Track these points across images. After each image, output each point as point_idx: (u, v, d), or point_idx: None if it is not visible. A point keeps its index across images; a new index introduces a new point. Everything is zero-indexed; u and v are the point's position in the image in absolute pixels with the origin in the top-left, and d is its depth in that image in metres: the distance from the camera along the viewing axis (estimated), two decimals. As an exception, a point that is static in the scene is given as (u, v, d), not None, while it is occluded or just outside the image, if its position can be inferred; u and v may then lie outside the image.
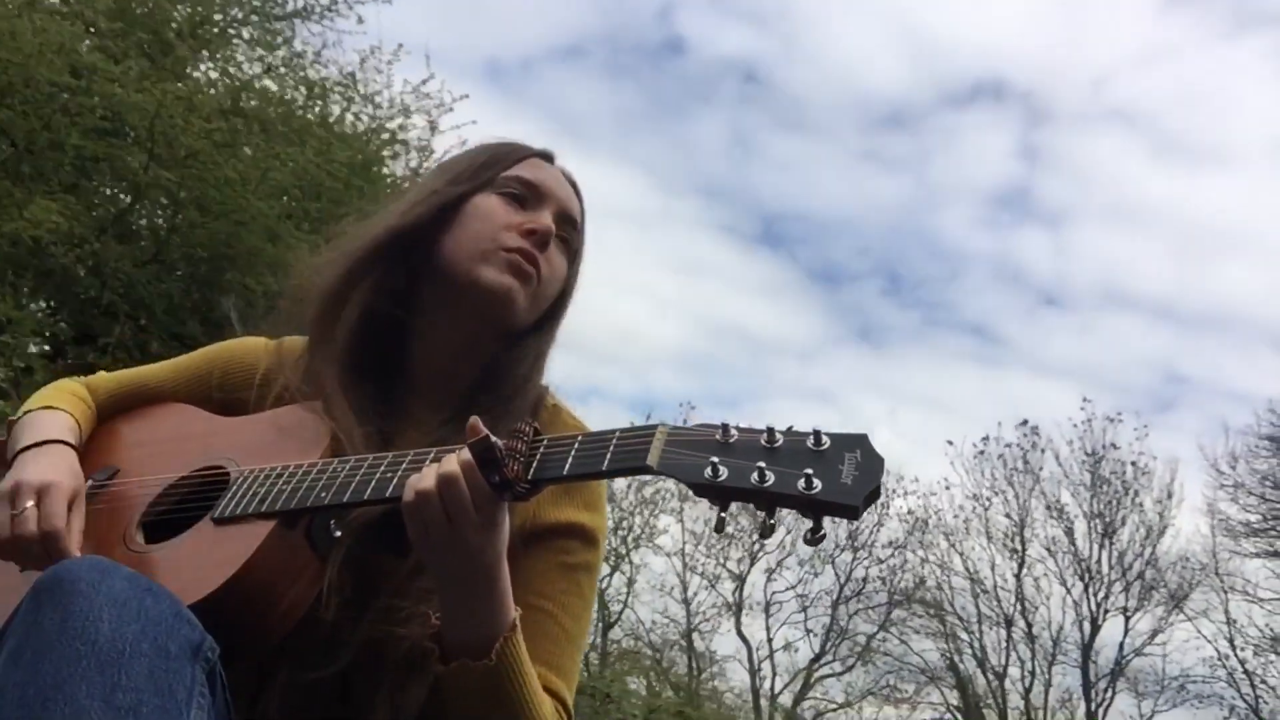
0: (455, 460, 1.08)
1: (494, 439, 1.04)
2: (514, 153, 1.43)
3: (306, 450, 1.24)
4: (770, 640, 19.94)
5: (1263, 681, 18.93)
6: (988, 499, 20.14)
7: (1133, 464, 19.69)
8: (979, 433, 20.48)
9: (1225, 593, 19.14)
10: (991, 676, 19.78)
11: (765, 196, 31.08)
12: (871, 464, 0.94)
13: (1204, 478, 20.20)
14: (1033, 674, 19.62)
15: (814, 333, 31.10)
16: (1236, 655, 18.99)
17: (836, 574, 19.71)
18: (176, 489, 1.31)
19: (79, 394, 1.47)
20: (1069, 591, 19.62)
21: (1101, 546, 19.59)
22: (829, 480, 0.93)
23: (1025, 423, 20.25)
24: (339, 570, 1.19)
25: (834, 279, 32.09)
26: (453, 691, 1.15)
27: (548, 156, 1.47)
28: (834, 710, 20.16)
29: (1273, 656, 18.88)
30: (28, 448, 1.32)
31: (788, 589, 19.88)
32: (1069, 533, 19.76)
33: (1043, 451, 20.01)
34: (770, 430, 0.98)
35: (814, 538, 0.95)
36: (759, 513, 0.97)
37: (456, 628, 1.14)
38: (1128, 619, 19.50)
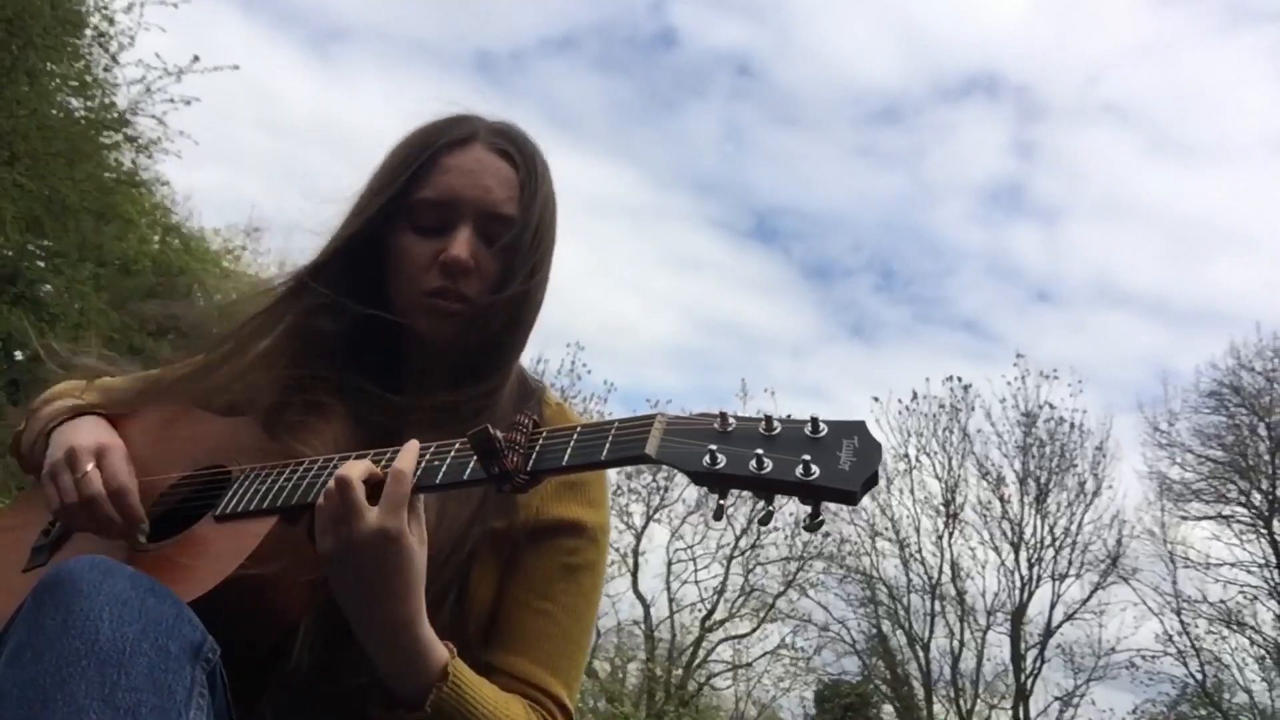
0: (368, 461, 1.12)
1: (493, 430, 1.04)
2: (426, 150, 1.32)
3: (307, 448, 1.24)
4: (671, 601, 17.80)
5: (1215, 659, 17.65)
6: (916, 459, 18.51)
7: (1065, 420, 18.27)
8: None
9: (1172, 561, 17.88)
10: (919, 649, 18.33)
11: (758, 191, 30.38)
12: (869, 450, 0.95)
13: (1142, 437, 18.99)
14: (961, 643, 18.19)
15: (807, 328, 30.10)
16: (1189, 633, 17.76)
17: (731, 526, 17.04)
18: (180, 488, 1.32)
19: (93, 387, 1.49)
20: (1003, 561, 18.20)
21: (1035, 510, 18.25)
22: (827, 466, 0.94)
23: (955, 379, 18.62)
24: None
25: (827, 275, 31.36)
26: None
27: (465, 139, 1.34)
28: (724, 671, 18.21)
29: (1226, 631, 17.63)
30: (62, 421, 1.35)
31: (687, 547, 17.55)
32: (1001, 497, 18.30)
33: (973, 409, 18.50)
34: (768, 418, 0.99)
35: (813, 524, 0.96)
36: (757, 501, 0.98)
37: (385, 677, 1.12)
38: (1056, 584, 18.08)
